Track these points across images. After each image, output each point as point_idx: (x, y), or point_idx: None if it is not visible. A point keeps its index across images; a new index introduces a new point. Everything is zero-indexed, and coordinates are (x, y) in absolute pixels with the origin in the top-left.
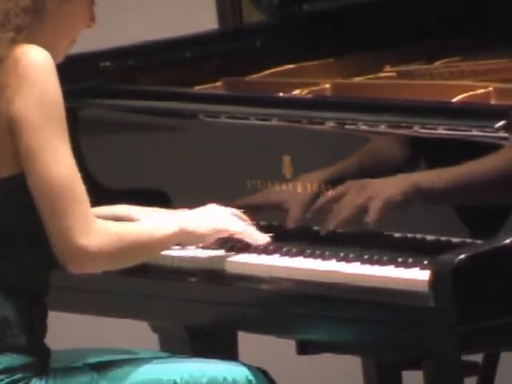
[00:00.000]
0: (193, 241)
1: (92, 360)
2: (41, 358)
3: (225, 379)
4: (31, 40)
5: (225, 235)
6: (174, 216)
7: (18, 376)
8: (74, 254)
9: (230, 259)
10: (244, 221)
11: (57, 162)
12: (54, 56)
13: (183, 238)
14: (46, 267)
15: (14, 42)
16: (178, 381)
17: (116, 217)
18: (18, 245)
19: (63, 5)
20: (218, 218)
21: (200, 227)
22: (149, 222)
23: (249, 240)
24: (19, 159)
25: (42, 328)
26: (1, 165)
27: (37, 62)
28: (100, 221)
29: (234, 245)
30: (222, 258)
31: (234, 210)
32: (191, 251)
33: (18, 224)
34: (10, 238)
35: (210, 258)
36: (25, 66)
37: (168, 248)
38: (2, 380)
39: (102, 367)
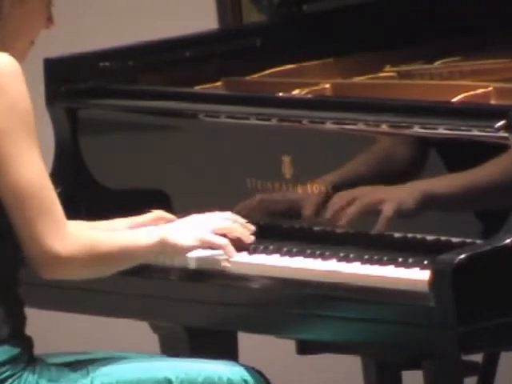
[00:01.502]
0: (174, 252)
1: (86, 357)
2: (26, 349)
3: (220, 378)
4: None
5: (207, 245)
6: (154, 228)
7: (9, 372)
8: (45, 259)
9: (230, 259)
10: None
11: (26, 168)
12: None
13: (163, 250)
14: (16, 263)
15: None
16: (174, 379)
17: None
18: None
19: (18, 7)
20: (200, 229)
21: (180, 239)
22: (126, 233)
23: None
24: None
25: (22, 319)
26: None
27: (4, 69)
28: (74, 227)
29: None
30: (222, 258)
31: (220, 215)
32: (192, 252)
33: None
34: None
35: (211, 258)
36: (2, 83)
37: (146, 260)
38: None
39: (96, 365)
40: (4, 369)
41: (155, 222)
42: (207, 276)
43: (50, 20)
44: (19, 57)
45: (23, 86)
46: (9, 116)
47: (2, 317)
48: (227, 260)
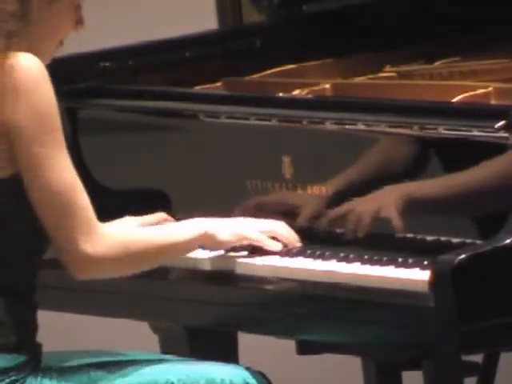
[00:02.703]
0: (212, 246)
1: (88, 360)
2: (33, 357)
3: (222, 381)
4: (21, 45)
5: (245, 242)
6: (199, 220)
7: (13, 378)
8: (79, 261)
9: (230, 260)
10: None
11: (57, 171)
12: (41, 59)
13: (202, 242)
14: (33, 269)
15: (8, 47)
16: (176, 382)
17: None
18: (5, 247)
19: (47, 9)
20: (240, 226)
21: (220, 233)
22: (163, 227)
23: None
24: (11, 164)
25: (33, 327)
26: None
27: (31, 72)
28: (106, 227)
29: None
30: (222, 259)
31: (262, 223)
32: (192, 252)
33: (5, 226)
34: None
35: (211, 259)
36: (19, 75)
37: (187, 252)
38: None
39: (98, 368)
40: (8, 375)
41: (157, 224)
42: (207, 276)
43: (79, 22)
44: (45, 58)
45: (50, 89)
46: (37, 119)
47: (12, 324)
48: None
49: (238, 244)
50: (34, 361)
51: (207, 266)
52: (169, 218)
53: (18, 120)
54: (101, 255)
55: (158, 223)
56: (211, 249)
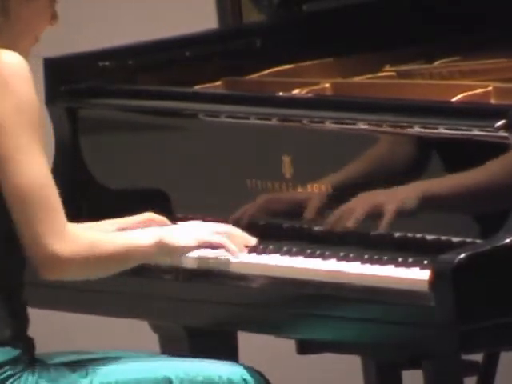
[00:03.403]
0: (172, 253)
1: (86, 357)
2: (27, 350)
3: (220, 378)
4: (2, 42)
5: (205, 246)
6: (152, 229)
7: (9, 373)
8: (44, 260)
9: (229, 260)
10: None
11: (29, 168)
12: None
13: (161, 251)
14: (21, 265)
15: None
16: (174, 379)
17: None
18: None
19: (25, 6)
20: (199, 230)
21: (179, 239)
22: (124, 233)
23: (229, 252)
24: None
25: (25, 321)
26: None
27: (13, 68)
28: (73, 228)
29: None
30: (222, 258)
31: (216, 225)
32: (193, 252)
33: None
34: None
35: (211, 258)
36: (4, 75)
37: (146, 260)
38: None
39: (96, 365)
40: (4, 369)
41: (145, 224)
42: (207, 276)
43: (54, 17)
44: (24, 54)
45: (31, 86)
46: (14, 116)
47: (5, 318)
48: (228, 259)
49: (198, 249)
50: (28, 354)
51: (207, 266)
52: (156, 217)
53: None
54: (67, 254)
55: (144, 223)
56: (172, 256)
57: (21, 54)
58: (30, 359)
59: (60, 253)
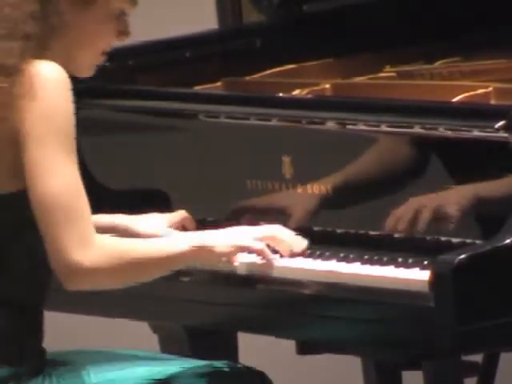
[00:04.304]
0: (208, 258)
1: (87, 360)
2: (33, 368)
3: (221, 378)
4: (47, 51)
5: (244, 251)
6: (189, 234)
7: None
8: (69, 271)
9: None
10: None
11: (57, 176)
12: (75, 69)
13: (199, 256)
14: (44, 282)
15: (25, 51)
16: (175, 380)
17: (116, 228)
18: (16, 259)
19: (81, 14)
20: (239, 236)
21: (215, 245)
22: (159, 240)
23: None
24: (21, 175)
25: (38, 338)
26: (3, 179)
27: (49, 79)
28: (101, 237)
29: None
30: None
31: (259, 229)
32: None
33: (17, 238)
34: (9, 252)
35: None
36: (37, 82)
37: (183, 265)
38: None
39: (97, 366)
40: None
41: (182, 221)
42: (207, 276)
43: (123, 32)
44: (82, 68)
45: (67, 97)
46: (44, 123)
47: (14, 336)
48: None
49: (234, 255)
50: (35, 372)
51: (207, 266)
52: (189, 216)
53: (28, 123)
54: (92, 265)
55: (181, 222)
56: (207, 261)
57: (76, 67)
58: (35, 374)
59: (83, 264)
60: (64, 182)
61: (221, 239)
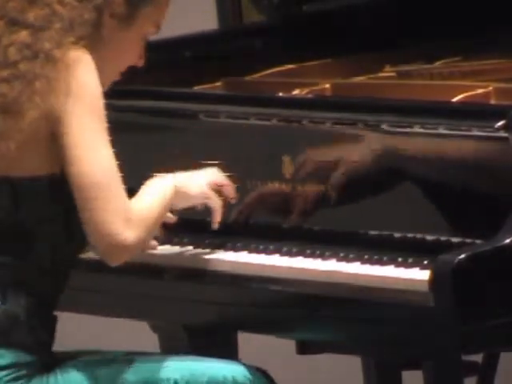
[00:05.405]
0: (182, 202)
1: (92, 358)
2: (44, 359)
3: (225, 378)
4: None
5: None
6: (166, 177)
7: (23, 372)
8: (112, 248)
9: (229, 259)
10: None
11: (92, 155)
12: (100, 80)
13: (175, 199)
14: (64, 270)
15: (72, 48)
16: (179, 379)
17: None
18: (39, 245)
19: (122, 32)
20: (204, 178)
21: (191, 189)
22: (151, 191)
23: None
24: (50, 162)
25: (51, 331)
26: (34, 163)
27: (75, 58)
28: (133, 208)
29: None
30: (221, 259)
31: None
32: (191, 251)
33: (41, 225)
34: (33, 238)
35: (210, 259)
36: (78, 72)
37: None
38: (8, 374)
39: (101, 366)
40: (18, 370)
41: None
42: (207, 276)
43: (141, 57)
44: (104, 81)
45: (94, 74)
46: (90, 112)
47: (32, 324)
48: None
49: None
50: (45, 364)
51: (207, 266)
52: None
53: (72, 112)
54: (136, 239)
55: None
56: (179, 202)
57: (103, 78)
58: (44, 366)
59: (128, 239)
60: (106, 160)
61: (193, 182)
